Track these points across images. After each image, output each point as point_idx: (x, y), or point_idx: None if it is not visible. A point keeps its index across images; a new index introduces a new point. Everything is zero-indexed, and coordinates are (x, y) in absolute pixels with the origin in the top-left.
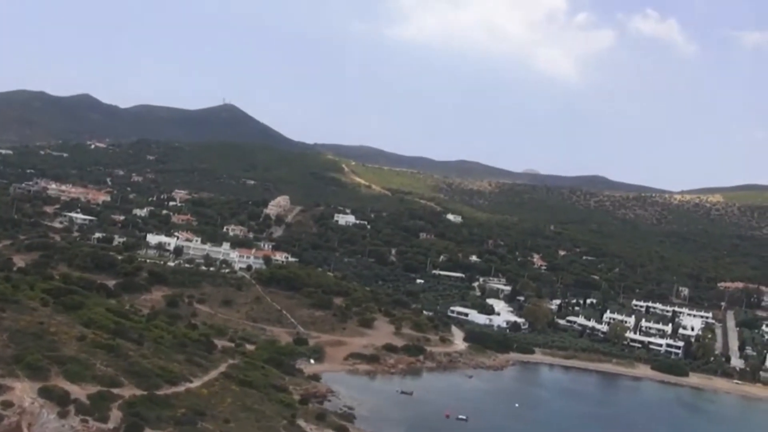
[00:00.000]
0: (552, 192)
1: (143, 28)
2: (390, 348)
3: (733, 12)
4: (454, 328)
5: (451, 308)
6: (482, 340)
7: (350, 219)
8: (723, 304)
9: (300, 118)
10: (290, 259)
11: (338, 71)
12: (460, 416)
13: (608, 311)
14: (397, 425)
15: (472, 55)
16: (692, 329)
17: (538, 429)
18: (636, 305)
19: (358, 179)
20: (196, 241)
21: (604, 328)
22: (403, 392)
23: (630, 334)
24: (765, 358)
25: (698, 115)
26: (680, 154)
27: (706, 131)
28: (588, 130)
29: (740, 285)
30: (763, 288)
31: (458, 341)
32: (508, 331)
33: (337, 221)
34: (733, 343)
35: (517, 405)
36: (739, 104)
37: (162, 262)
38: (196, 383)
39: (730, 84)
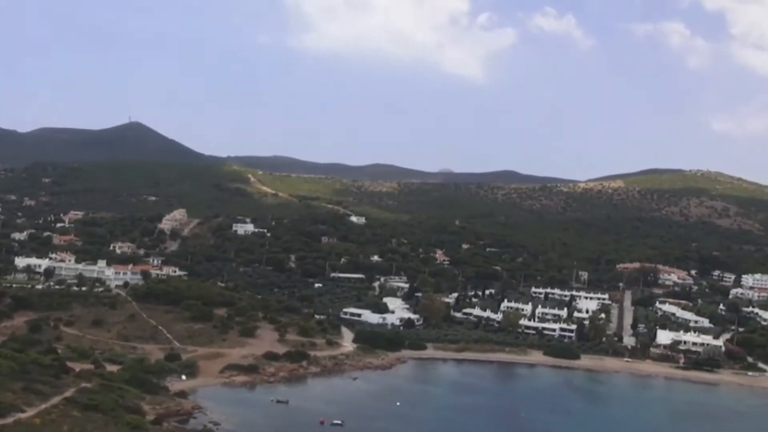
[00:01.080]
0: (460, 189)
1: (42, 50)
2: (271, 356)
3: (625, 5)
4: (345, 330)
5: (344, 310)
6: (372, 339)
7: (249, 228)
8: (621, 284)
9: (212, 132)
10: (179, 273)
11: (248, 83)
12: (335, 421)
13: (505, 300)
14: None
15: (380, 61)
16: (587, 312)
17: (416, 427)
18: (535, 292)
19: (264, 188)
20: (69, 261)
21: (499, 317)
22: (278, 401)
23: (525, 322)
24: (655, 334)
25: (600, 105)
26: (585, 144)
27: (608, 121)
28: (498, 127)
29: (637, 265)
30: (660, 266)
31: (347, 343)
32: (401, 328)
33: (235, 231)
34: (628, 322)
35: (398, 404)
36: (638, 93)
37: (30, 286)
38: (29, 413)
39: (628, 74)
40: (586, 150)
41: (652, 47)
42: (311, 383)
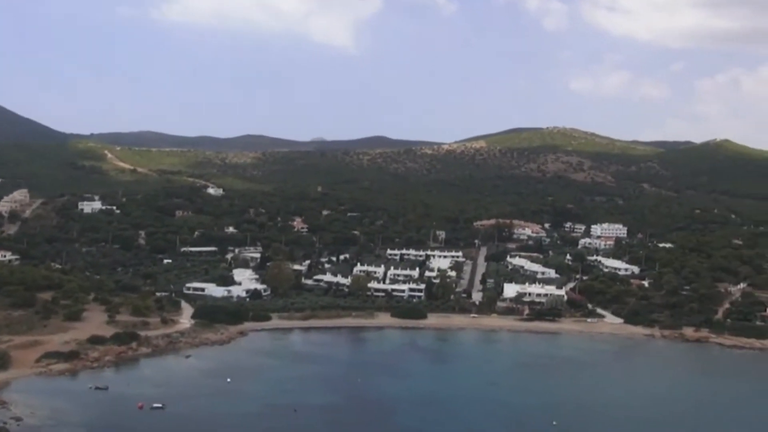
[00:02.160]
0: (326, 156)
1: None
2: (96, 340)
3: None
4: (186, 306)
5: (187, 285)
6: (212, 314)
7: (96, 206)
8: (477, 241)
9: (75, 110)
10: (9, 257)
11: (111, 57)
12: (155, 405)
13: (358, 264)
14: (75, 428)
15: (248, 32)
16: (438, 270)
17: (243, 403)
18: (391, 254)
19: (122, 164)
20: None
21: (349, 282)
22: (97, 388)
23: (374, 285)
24: (502, 288)
25: (464, 69)
26: (451, 107)
27: (472, 84)
28: (368, 94)
29: (492, 222)
30: (516, 221)
31: (185, 320)
32: (247, 300)
33: (81, 210)
34: (480, 278)
35: (229, 380)
36: (499, 55)
37: None
38: None
39: (489, 37)
40: (452, 113)
41: (511, 10)
42: (142, 365)
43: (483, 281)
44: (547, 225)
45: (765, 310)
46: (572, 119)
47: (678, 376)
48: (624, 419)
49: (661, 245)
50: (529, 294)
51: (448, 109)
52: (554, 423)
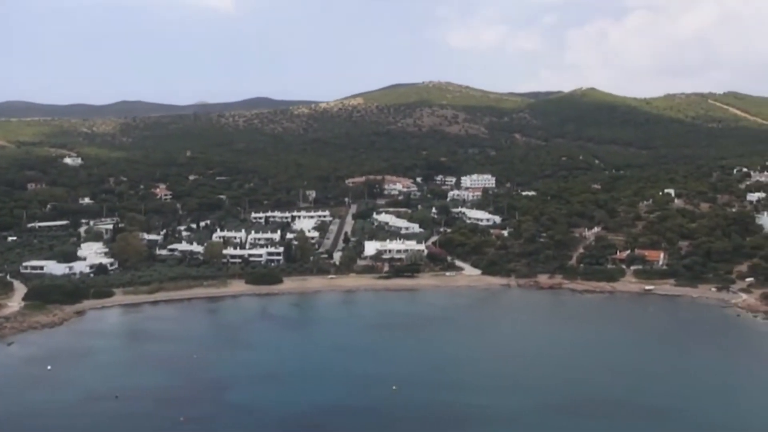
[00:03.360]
0: (200, 119)
1: None
2: None
3: None
4: (19, 287)
5: (24, 264)
6: (46, 294)
7: None
8: (347, 199)
9: None
10: None
11: None
12: None
13: (218, 230)
14: None
15: None
16: (300, 232)
17: (60, 391)
18: (255, 218)
19: None
20: None
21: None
22: None
23: (230, 251)
24: (363, 246)
25: (345, 28)
26: (333, 66)
27: (353, 42)
28: (250, 55)
29: (362, 179)
30: (388, 177)
31: (14, 302)
32: (92, 275)
33: None
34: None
35: (49, 367)
36: (381, 13)
37: None
38: None
39: None
40: (334, 72)
41: None
42: None
43: (346, 240)
44: (418, 179)
45: (616, 253)
46: (452, 74)
47: (524, 326)
48: (460, 378)
49: (524, 194)
50: (389, 251)
51: (330, 69)
52: (394, 388)
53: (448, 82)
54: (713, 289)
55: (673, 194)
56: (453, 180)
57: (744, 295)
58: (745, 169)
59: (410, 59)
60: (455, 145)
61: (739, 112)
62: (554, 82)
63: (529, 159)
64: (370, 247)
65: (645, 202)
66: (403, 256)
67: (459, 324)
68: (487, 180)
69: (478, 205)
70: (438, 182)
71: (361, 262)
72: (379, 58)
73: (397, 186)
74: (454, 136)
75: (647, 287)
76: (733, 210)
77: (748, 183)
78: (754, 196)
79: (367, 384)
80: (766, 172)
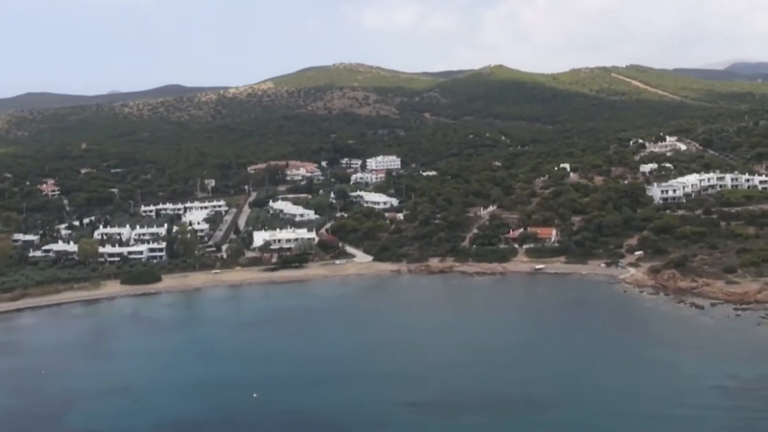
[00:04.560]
0: (103, 109)
1: None
2: None
3: None
4: None
5: None
6: None
7: None
8: (247, 187)
9: None
10: None
11: None
12: None
13: (101, 227)
14: None
15: None
16: (191, 224)
17: None
18: (145, 211)
19: None
20: None
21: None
22: None
23: (108, 249)
24: (252, 237)
25: (258, 12)
26: (246, 51)
27: (266, 26)
28: (161, 42)
29: (263, 165)
30: (292, 162)
31: None
32: None
33: None
34: (242, 227)
35: None
36: None
37: None
38: None
39: None
40: (246, 58)
41: None
42: None
43: (236, 231)
44: (324, 163)
45: (509, 231)
46: (367, 56)
47: (405, 315)
48: (328, 375)
49: (425, 174)
50: (278, 240)
51: (243, 55)
52: (255, 396)
53: (360, 63)
54: (602, 265)
55: (568, 168)
56: (359, 163)
57: (632, 270)
58: (641, 141)
59: (324, 42)
60: (365, 127)
61: (641, 85)
62: (469, 61)
63: (436, 138)
64: (258, 238)
65: (541, 178)
66: (293, 245)
67: (340, 316)
68: (392, 161)
69: (377, 187)
70: (344, 165)
71: (249, 254)
72: (294, 42)
73: (300, 171)
74: (365, 117)
75: (537, 266)
76: (626, 182)
77: (643, 154)
78: (647, 167)
79: (227, 393)
80: (660, 143)
